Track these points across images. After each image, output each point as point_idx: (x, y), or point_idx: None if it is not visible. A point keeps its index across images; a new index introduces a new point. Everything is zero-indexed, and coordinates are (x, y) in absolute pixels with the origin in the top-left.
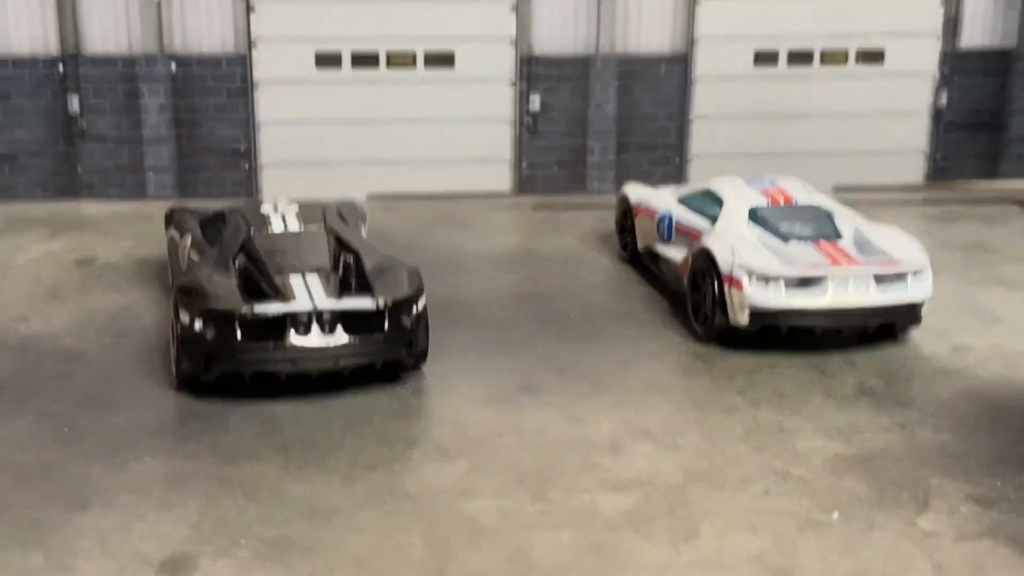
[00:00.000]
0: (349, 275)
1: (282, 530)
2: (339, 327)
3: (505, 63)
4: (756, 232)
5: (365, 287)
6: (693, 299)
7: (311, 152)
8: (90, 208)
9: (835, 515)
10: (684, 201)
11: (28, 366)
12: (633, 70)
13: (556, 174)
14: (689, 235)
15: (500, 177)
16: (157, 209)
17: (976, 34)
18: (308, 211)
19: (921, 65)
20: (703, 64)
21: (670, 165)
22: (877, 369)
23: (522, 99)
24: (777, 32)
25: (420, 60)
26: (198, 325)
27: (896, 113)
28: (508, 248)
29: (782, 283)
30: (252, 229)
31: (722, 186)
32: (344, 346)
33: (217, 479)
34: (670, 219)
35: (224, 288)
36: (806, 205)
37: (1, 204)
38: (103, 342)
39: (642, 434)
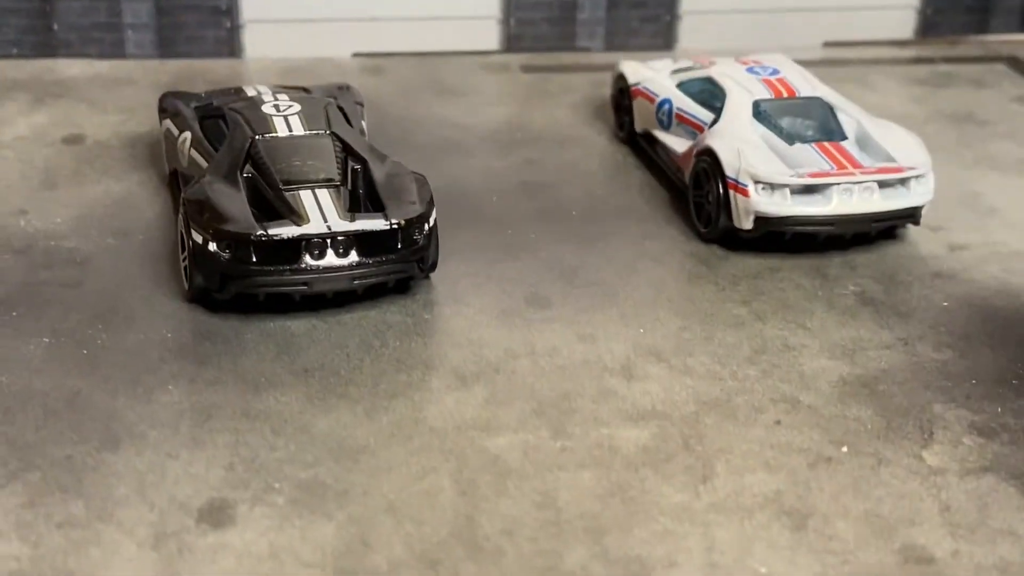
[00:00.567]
0: (357, 185)
1: (314, 471)
2: (353, 248)
3: None
4: (760, 131)
5: (375, 200)
6: (695, 198)
7: (294, 10)
8: (69, 69)
9: (844, 449)
10: (684, 87)
11: (36, 273)
12: None
13: (545, 31)
14: (691, 125)
15: (488, 35)
16: (139, 71)
17: None
18: (310, 109)
19: None
20: None
21: (660, 23)
22: (877, 272)
23: None
24: None
25: None
26: (212, 247)
27: None
28: (501, 123)
29: (788, 191)
30: (256, 136)
31: (723, 75)
32: (358, 266)
33: (243, 412)
34: (670, 106)
35: (237, 208)
36: (808, 97)
37: None
38: (107, 243)
39: (653, 355)
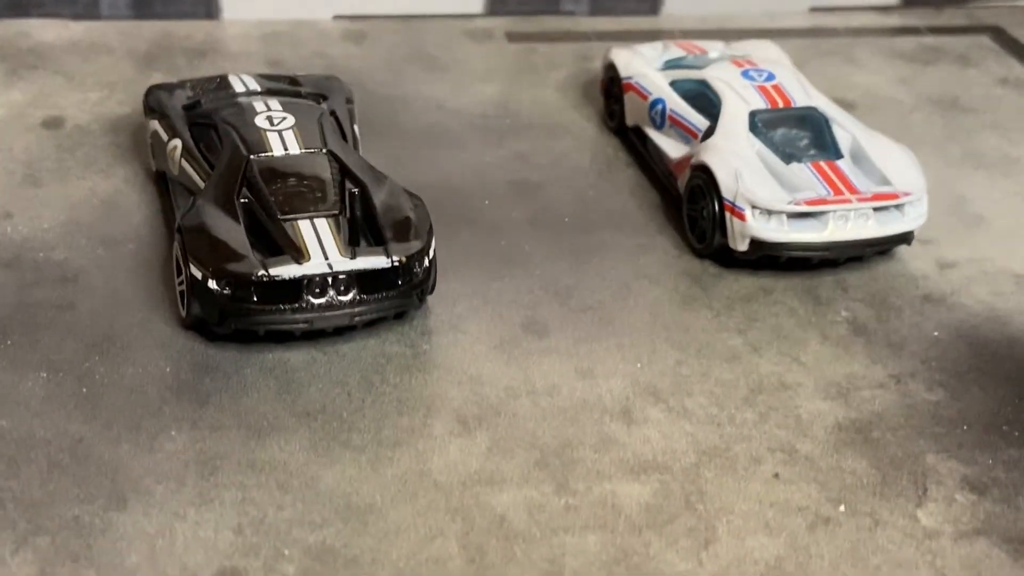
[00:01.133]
0: (355, 211)
1: (322, 534)
2: (354, 286)
3: None
4: (756, 146)
5: (373, 226)
6: (689, 211)
7: None
8: (43, 32)
9: (842, 508)
10: (677, 87)
11: (27, 292)
12: None
13: None
14: (684, 129)
15: None
16: (115, 36)
17: None
18: (304, 121)
19: None
20: None
21: None
22: (867, 295)
23: None
24: None
25: None
26: (212, 284)
27: None
28: (489, 106)
29: (784, 216)
30: (251, 156)
31: (717, 79)
32: (359, 303)
33: (248, 463)
34: (664, 107)
35: (237, 243)
36: (804, 108)
37: None
38: (97, 254)
39: (651, 394)
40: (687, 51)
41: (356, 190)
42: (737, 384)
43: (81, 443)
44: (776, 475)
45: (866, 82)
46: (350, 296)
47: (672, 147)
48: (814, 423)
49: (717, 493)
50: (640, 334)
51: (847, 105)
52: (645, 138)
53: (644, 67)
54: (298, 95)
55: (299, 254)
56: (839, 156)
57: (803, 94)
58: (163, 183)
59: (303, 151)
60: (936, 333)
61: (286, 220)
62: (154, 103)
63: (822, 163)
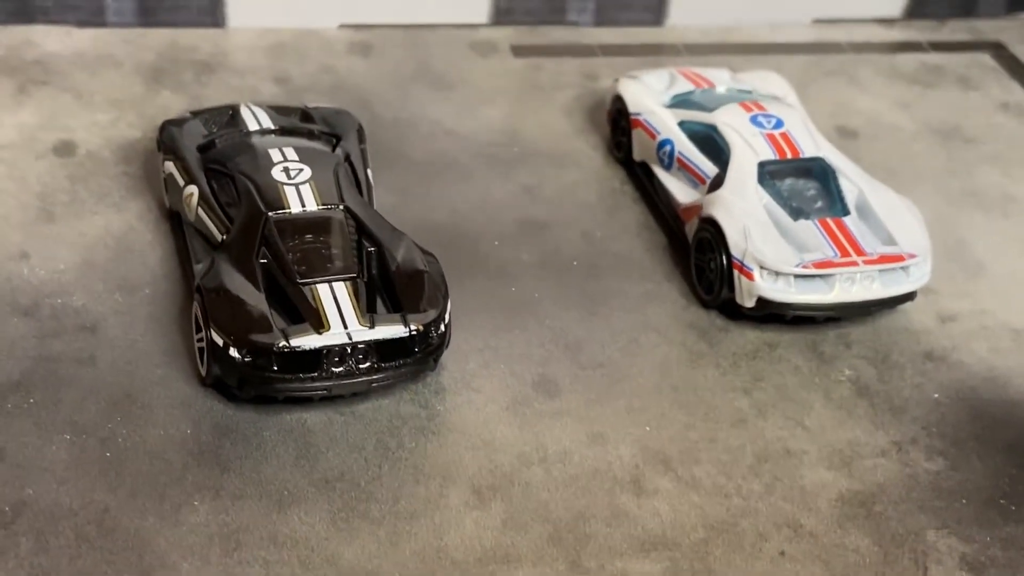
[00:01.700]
0: (372, 270)
1: None
2: (372, 354)
3: None
4: (764, 199)
5: (389, 288)
6: (697, 261)
7: None
8: (49, 42)
9: None
10: (686, 127)
11: (47, 344)
12: None
13: (534, 5)
14: (692, 173)
15: (477, 6)
16: (121, 47)
17: None
18: (320, 173)
19: None
20: None
21: None
22: (870, 351)
23: None
24: None
25: None
26: (233, 351)
27: None
28: (496, 131)
29: (792, 278)
30: (269, 214)
31: (727, 126)
32: (376, 370)
33: (270, 537)
34: (672, 148)
35: (258, 311)
36: (811, 159)
37: None
38: (114, 300)
39: (661, 462)
40: (694, 83)
41: (372, 249)
42: (744, 451)
43: (107, 513)
44: (782, 553)
45: (868, 108)
46: (368, 364)
47: (680, 191)
48: (819, 495)
49: (725, 572)
50: (649, 395)
51: (850, 134)
52: (652, 175)
53: (652, 104)
54: (311, 133)
55: (319, 323)
56: (846, 212)
57: (811, 142)
58: (176, 220)
59: (320, 207)
60: (936, 395)
61: (305, 284)
62: (168, 140)
63: (829, 221)
